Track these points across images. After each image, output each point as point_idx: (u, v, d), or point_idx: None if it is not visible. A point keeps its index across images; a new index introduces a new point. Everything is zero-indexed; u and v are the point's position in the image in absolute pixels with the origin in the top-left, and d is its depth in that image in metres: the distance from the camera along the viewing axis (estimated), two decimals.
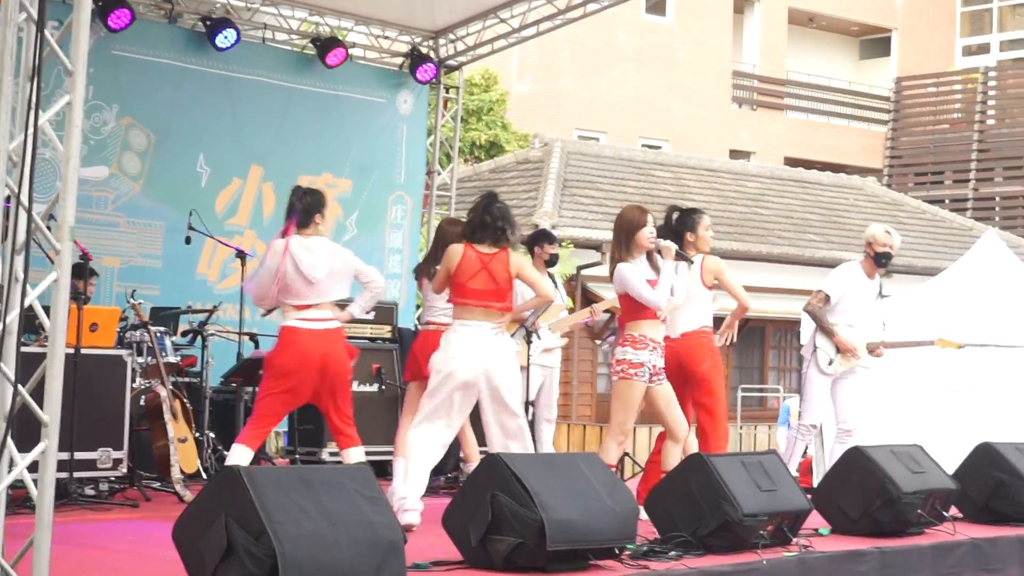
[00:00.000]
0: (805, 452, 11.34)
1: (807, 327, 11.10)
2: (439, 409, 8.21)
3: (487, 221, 8.26)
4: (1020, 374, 13.36)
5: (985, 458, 9.87)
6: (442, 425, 8.23)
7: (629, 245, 8.56)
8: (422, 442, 8.22)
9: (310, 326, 8.11)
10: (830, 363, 10.40)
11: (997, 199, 35.71)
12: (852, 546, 8.25)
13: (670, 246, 8.69)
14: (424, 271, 9.66)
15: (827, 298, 10.48)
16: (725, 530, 7.63)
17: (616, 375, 8.57)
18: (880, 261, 10.54)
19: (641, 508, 7.99)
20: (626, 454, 9.95)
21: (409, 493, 8.14)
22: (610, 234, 8.99)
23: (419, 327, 9.97)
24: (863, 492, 8.75)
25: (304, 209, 8.23)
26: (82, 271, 9.49)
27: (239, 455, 8.04)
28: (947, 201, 34.64)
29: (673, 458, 8.64)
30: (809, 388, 10.51)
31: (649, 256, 8.61)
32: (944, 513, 9.19)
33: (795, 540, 7.98)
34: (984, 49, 40.26)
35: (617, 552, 7.15)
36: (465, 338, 8.18)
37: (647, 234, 8.56)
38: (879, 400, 12.90)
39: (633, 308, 8.54)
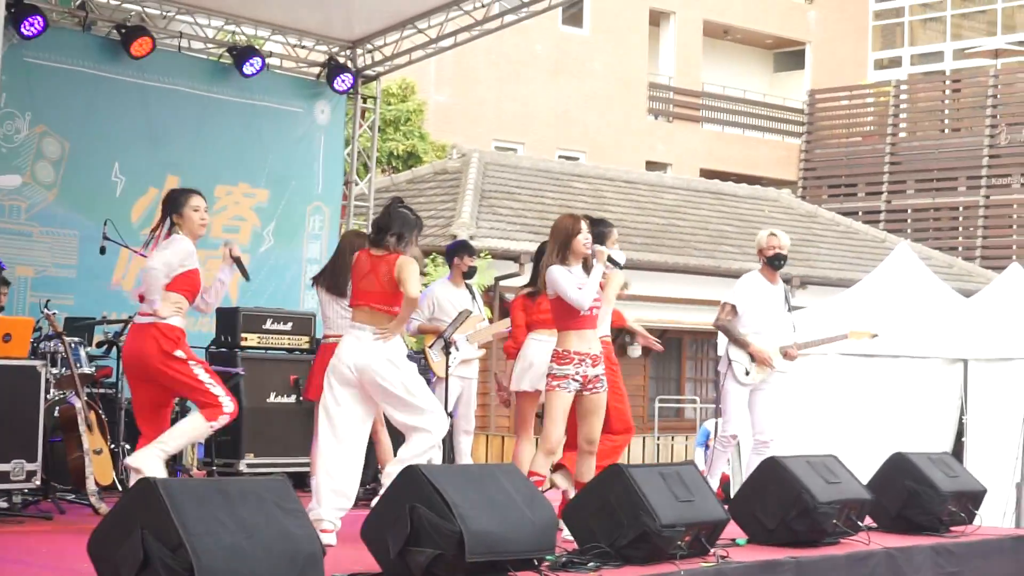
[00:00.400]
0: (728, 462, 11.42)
1: (724, 339, 11.17)
2: (335, 416, 8.13)
3: (378, 225, 8.34)
4: (932, 384, 13.53)
5: (898, 468, 9.96)
6: (346, 432, 8.12)
7: (565, 253, 8.56)
8: (327, 461, 8.10)
9: (135, 320, 8.57)
10: (747, 374, 10.48)
11: (909, 211, 36.16)
12: (768, 556, 8.30)
13: (602, 250, 8.71)
14: (320, 280, 9.73)
15: (734, 309, 10.58)
16: (643, 541, 7.65)
17: (547, 388, 8.63)
18: (775, 264, 10.66)
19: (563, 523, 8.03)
20: None
21: (324, 515, 8.04)
22: (528, 245, 9.02)
23: (320, 342, 9.96)
24: (779, 502, 8.81)
25: (164, 214, 8.65)
26: None
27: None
28: (860, 213, 35.03)
29: (585, 469, 8.70)
30: (727, 400, 10.57)
31: (585, 263, 8.62)
32: (859, 523, 9.27)
33: (712, 550, 8.02)
34: (896, 62, 40.78)
35: (536, 563, 7.15)
36: (347, 341, 8.18)
37: (583, 240, 8.58)
38: (795, 411, 13.02)
39: (561, 315, 8.55)
